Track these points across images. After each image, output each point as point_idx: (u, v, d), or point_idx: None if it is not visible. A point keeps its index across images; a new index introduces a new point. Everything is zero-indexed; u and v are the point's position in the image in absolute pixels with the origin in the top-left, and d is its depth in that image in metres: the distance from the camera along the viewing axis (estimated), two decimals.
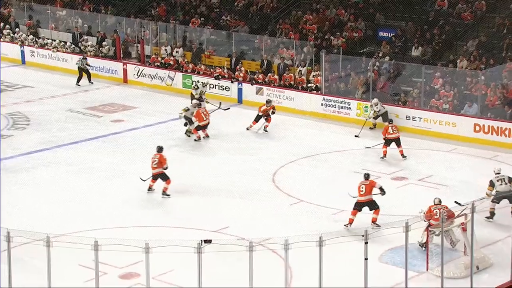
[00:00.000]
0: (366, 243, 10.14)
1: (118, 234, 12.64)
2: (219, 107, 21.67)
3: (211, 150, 19.43)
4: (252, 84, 23.88)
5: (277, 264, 11.81)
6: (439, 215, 12.52)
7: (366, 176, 14.40)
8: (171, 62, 26.13)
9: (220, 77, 24.58)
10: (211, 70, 25.29)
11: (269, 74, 24.08)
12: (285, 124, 21.71)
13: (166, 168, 16.00)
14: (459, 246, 12.97)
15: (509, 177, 14.45)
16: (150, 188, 16.21)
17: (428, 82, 21.48)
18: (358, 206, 14.15)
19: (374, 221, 13.96)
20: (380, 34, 24.88)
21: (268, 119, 20.74)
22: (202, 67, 25.51)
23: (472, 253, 11.63)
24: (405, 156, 18.37)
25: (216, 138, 20.56)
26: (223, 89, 24.44)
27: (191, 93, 22.83)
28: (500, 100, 20.12)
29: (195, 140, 20.16)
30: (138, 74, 26.37)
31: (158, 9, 29.68)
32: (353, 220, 14.09)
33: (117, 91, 25.62)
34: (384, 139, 18.53)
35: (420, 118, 20.66)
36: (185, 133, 20.53)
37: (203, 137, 20.17)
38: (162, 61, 26.29)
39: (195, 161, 18.77)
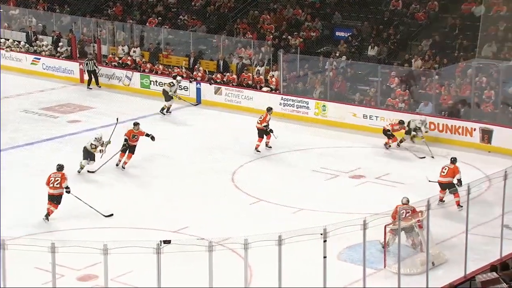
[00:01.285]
0: (325, 241, 10.23)
1: (76, 236, 12.53)
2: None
3: (171, 150, 19.34)
4: (210, 84, 23.85)
5: (237, 264, 11.83)
6: (405, 215, 12.71)
7: (453, 160, 15.35)
8: (129, 62, 25.92)
9: (178, 77, 24.46)
10: (169, 70, 25.17)
11: (227, 74, 24.08)
12: (243, 124, 21.71)
13: (67, 189, 14.63)
14: (409, 240, 13.15)
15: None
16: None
17: (384, 81, 21.77)
18: (442, 186, 15.07)
19: (458, 204, 14.75)
20: (337, 33, 25.13)
21: (268, 134, 19.20)
22: (160, 67, 25.37)
23: (427, 250, 11.84)
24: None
25: (176, 138, 20.48)
26: (182, 89, 24.33)
27: (164, 89, 22.78)
28: (453, 99, 20.52)
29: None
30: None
31: (114, 9, 29.40)
32: (442, 197, 15.08)
33: (73, 91, 25.29)
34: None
35: (376, 117, 20.92)
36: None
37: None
38: (120, 61, 26.06)
39: (154, 161, 18.66)
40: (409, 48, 23.49)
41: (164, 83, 23.33)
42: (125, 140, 17.76)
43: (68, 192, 14.64)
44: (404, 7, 24.64)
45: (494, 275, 9.34)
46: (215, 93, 23.69)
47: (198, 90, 24.03)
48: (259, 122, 19.14)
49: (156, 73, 25.14)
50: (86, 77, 25.64)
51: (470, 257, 11.92)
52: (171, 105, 22.57)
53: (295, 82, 23.19)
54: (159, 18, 27.95)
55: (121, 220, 14.85)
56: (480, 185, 13.09)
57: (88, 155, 17.30)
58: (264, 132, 19.02)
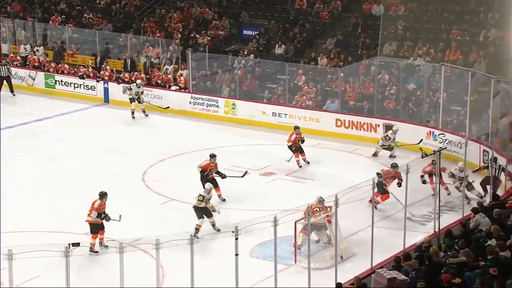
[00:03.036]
0: (236, 239, 10.31)
1: None
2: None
3: (78, 150, 18.92)
4: (118, 83, 23.50)
5: (149, 264, 11.74)
6: (319, 213, 12.97)
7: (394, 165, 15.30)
8: (32, 61, 25.13)
9: (84, 76, 23.99)
10: (75, 69, 24.62)
11: (136, 73, 23.80)
12: (153, 123, 21.56)
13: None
14: (323, 238, 13.48)
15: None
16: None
17: (292, 79, 22.14)
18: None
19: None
20: (245, 32, 25.35)
21: (301, 151, 17.90)
22: (66, 66, 24.77)
23: (336, 244, 12.15)
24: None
25: (84, 138, 20.05)
26: (89, 89, 23.87)
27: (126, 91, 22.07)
28: (358, 96, 21.13)
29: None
30: None
31: (13, 6, 28.39)
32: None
33: None
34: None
35: (285, 114, 21.25)
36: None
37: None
38: (25, 59, 25.19)
39: (61, 162, 18.20)
40: (315, 47, 23.99)
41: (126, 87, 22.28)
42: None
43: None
44: (308, 6, 25.12)
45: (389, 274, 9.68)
46: (124, 92, 23.33)
47: (106, 90, 23.62)
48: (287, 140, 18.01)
49: (62, 72, 24.51)
50: None
51: (376, 249, 12.33)
52: (133, 109, 21.86)
53: (204, 81, 23.20)
54: (63, 16, 27.26)
55: (27, 223, 14.41)
56: None
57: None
58: (292, 149, 17.82)
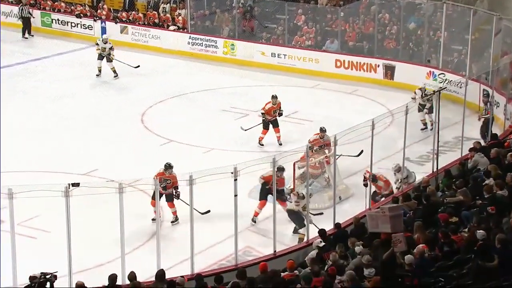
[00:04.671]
0: (235, 180, 10.37)
1: None
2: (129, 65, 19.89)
3: (76, 91, 18.81)
4: (116, 23, 23.19)
5: (148, 205, 11.85)
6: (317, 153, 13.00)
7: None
8: None
9: (81, 15, 23.66)
10: (72, 7, 24.24)
11: (133, 12, 23.47)
12: (152, 64, 21.39)
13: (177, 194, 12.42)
14: (321, 182, 13.54)
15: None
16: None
17: (291, 19, 21.85)
18: None
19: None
20: None
21: (275, 126, 15.53)
22: (62, 4, 24.37)
23: (334, 185, 12.23)
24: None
25: (81, 79, 19.94)
26: (86, 28, 23.58)
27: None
28: (358, 36, 20.91)
29: None
30: None
31: None
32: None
33: None
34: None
35: (285, 55, 21.06)
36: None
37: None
38: None
39: (59, 102, 18.15)
40: None
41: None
42: None
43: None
44: None
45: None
46: (121, 32, 23.08)
47: (103, 29, 23.33)
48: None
49: (59, 11, 24.17)
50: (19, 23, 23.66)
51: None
52: (99, 67, 19.84)
53: (203, 21, 22.90)
54: None
55: (27, 163, 14.46)
56: (384, 120, 13.50)
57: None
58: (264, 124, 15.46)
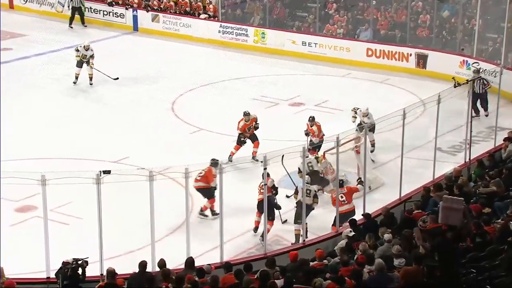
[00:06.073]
0: (265, 168, 10.37)
1: (12, 167, 12.31)
2: (108, 76, 18.70)
3: (108, 79, 18.95)
4: (147, 11, 23.28)
5: (178, 193, 11.90)
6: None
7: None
8: None
9: (113, 3, 23.80)
10: None
11: (165, 0, 23.53)
12: (183, 52, 21.45)
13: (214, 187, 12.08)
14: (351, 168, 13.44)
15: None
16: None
17: (323, 7, 21.69)
18: None
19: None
20: None
21: (255, 141, 14.40)
22: None
23: (364, 174, 12.14)
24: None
25: (113, 67, 20.05)
26: (117, 16, 23.72)
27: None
28: (390, 24, 20.68)
29: None
30: (26, 0, 25.08)
31: None
32: None
33: (3, 17, 24.27)
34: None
35: (315, 43, 20.93)
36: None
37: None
38: None
39: (90, 89, 18.32)
40: None
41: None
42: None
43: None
44: None
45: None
46: (152, 20, 23.16)
47: (135, 18, 23.46)
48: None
49: None
50: (68, 13, 23.72)
51: (405, 180, 12.28)
52: (78, 74, 18.53)
53: (233, 9, 22.87)
54: None
55: (59, 150, 14.63)
56: (415, 109, 13.36)
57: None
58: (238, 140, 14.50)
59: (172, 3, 23.33)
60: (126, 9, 23.57)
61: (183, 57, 21.05)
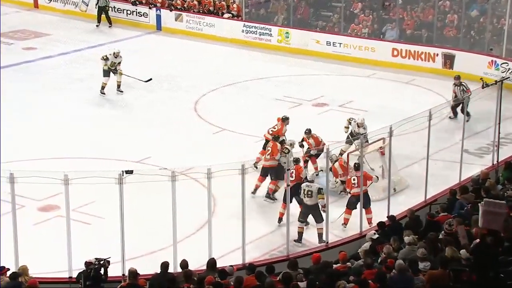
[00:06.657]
0: (288, 170, 10.27)
1: (35, 166, 12.34)
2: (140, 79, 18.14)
3: (131, 79, 18.98)
4: (171, 10, 23.28)
5: (200, 193, 11.82)
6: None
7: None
8: None
9: (137, 2, 23.83)
10: None
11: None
12: (206, 52, 21.40)
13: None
14: (377, 170, 13.26)
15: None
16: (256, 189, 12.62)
17: (348, 6, 21.51)
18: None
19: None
20: None
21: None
22: None
23: (389, 176, 11.96)
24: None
25: (136, 67, 20.06)
26: (141, 16, 23.75)
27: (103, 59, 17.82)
28: (416, 24, 20.42)
29: None
30: None
31: None
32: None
33: (27, 16, 24.48)
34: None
35: (340, 43, 20.75)
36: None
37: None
38: None
39: (113, 90, 18.33)
40: None
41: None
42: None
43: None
44: None
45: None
46: (176, 20, 23.15)
47: (158, 17, 23.46)
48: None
49: None
50: (94, 12, 23.70)
51: (431, 182, 12.09)
52: (106, 84, 17.72)
53: (257, 8, 22.77)
54: None
55: (81, 150, 14.64)
56: (441, 110, 13.15)
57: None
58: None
59: (195, 2, 23.29)
60: (150, 8, 23.59)
61: (206, 56, 20.99)
